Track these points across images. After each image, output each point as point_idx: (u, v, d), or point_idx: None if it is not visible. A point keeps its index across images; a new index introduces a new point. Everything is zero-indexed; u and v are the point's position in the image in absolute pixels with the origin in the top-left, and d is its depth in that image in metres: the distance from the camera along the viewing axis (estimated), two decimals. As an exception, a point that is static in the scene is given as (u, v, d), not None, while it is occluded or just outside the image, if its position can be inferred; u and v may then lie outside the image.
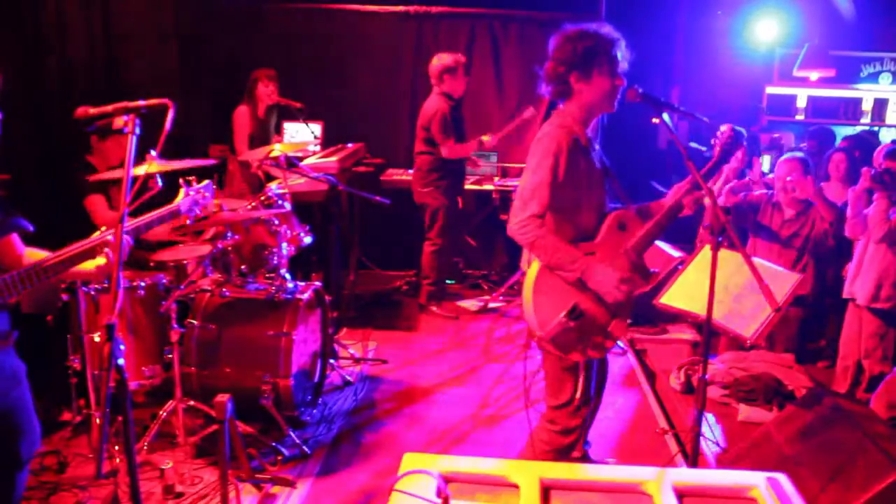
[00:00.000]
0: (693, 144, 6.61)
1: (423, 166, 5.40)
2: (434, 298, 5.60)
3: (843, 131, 6.98)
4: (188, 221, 2.37)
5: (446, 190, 5.41)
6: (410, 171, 5.69)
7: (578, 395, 2.72)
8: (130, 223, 2.10)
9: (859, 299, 3.92)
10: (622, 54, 2.56)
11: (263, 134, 5.27)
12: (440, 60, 5.27)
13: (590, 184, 2.63)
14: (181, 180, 2.41)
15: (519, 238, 2.52)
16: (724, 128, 2.69)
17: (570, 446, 2.80)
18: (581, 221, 2.62)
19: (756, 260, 2.64)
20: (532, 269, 2.56)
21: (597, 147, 2.71)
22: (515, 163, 6.31)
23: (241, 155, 4.96)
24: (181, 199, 2.35)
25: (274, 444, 3.43)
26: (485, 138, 5.42)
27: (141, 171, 2.47)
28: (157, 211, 2.25)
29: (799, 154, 4.45)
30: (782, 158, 4.37)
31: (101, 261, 2.06)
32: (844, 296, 4.07)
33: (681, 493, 1.61)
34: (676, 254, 2.83)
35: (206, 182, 2.44)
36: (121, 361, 1.67)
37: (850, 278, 4.05)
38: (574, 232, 2.60)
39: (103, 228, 2.59)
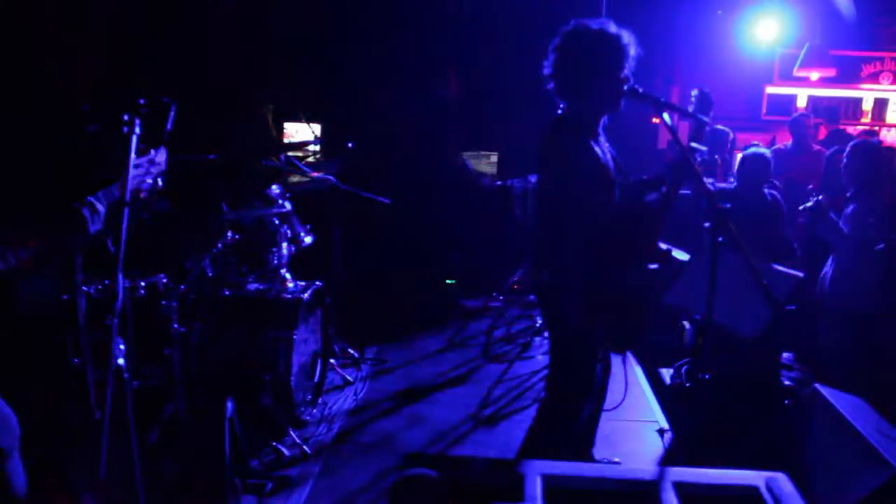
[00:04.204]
0: (693, 144, 6.61)
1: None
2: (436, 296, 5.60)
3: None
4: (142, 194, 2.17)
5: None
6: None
7: (583, 386, 2.77)
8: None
9: (838, 302, 3.93)
10: (633, 55, 2.55)
11: (263, 138, 5.23)
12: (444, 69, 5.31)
13: (609, 189, 2.62)
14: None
15: (551, 257, 2.58)
16: (695, 91, 2.69)
17: (567, 436, 2.85)
18: (601, 221, 2.60)
19: (756, 260, 2.64)
20: (572, 270, 2.57)
21: (606, 143, 2.70)
22: (516, 163, 6.31)
23: (240, 157, 4.95)
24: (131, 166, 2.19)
25: (274, 444, 3.43)
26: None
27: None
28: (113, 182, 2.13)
29: (761, 149, 4.40)
30: (744, 153, 4.36)
31: None
32: (819, 296, 4.09)
33: (681, 493, 1.61)
34: (682, 256, 2.84)
35: (161, 147, 2.30)
36: (121, 361, 1.67)
37: (826, 280, 4.07)
38: (595, 231, 2.58)
39: None
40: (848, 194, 3.97)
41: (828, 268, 4.03)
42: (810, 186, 5.07)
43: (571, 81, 2.53)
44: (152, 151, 2.21)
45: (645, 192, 2.85)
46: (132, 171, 2.07)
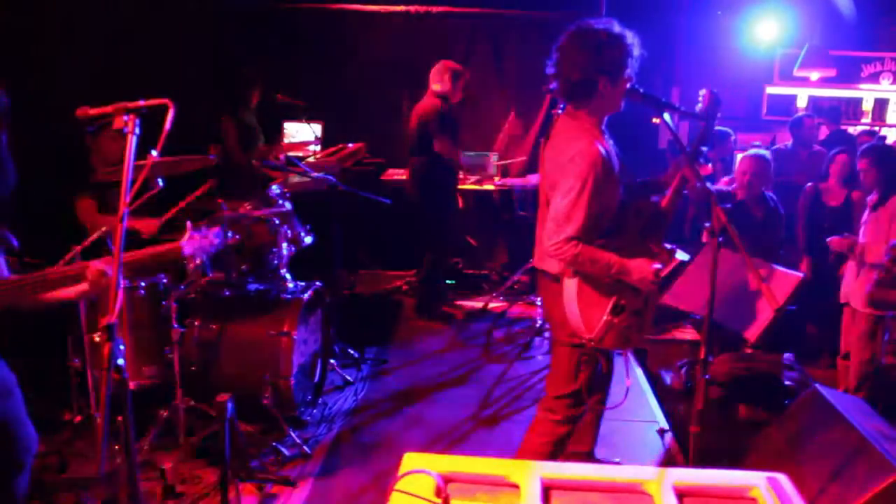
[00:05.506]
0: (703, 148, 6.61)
1: (416, 166, 5.40)
2: (433, 298, 5.59)
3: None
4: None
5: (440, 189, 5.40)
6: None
7: (583, 386, 2.77)
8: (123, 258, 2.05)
9: (857, 305, 3.92)
10: (636, 56, 2.55)
11: (251, 136, 5.22)
12: (450, 64, 5.28)
13: (614, 188, 2.62)
14: (189, 223, 2.34)
15: (556, 258, 2.56)
16: (703, 92, 2.69)
17: (567, 436, 2.87)
18: (605, 221, 2.61)
19: (756, 260, 2.64)
20: (570, 279, 2.58)
21: (610, 140, 2.69)
22: (516, 160, 6.32)
23: (235, 158, 4.95)
24: (185, 239, 2.27)
25: (274, 444, 3.43)
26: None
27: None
28: (157, 247, 2.21)
29: (762, 151, 4.41)
30: (744, 154, 4.37)
31: (82, 287, 2.02)
32: (842, 300, 4.08)
33: (681, 493, 1.61)
34: (683, 256, 2.84)
35: (216, 228, 2.35)
36: (121, 361, 1.67)
37: (846, 282, 4.05)
38: (599, 230, 2.59)
39: (104, 229, 2.58)
40: (869, 197, 3.95)
41: (849, 269, 4.00)
42: (809, 184, 5.07)
43: (575, 81, 2.53)
44: (208, 231, 2.28)
45: (649, 193, 2.85)
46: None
